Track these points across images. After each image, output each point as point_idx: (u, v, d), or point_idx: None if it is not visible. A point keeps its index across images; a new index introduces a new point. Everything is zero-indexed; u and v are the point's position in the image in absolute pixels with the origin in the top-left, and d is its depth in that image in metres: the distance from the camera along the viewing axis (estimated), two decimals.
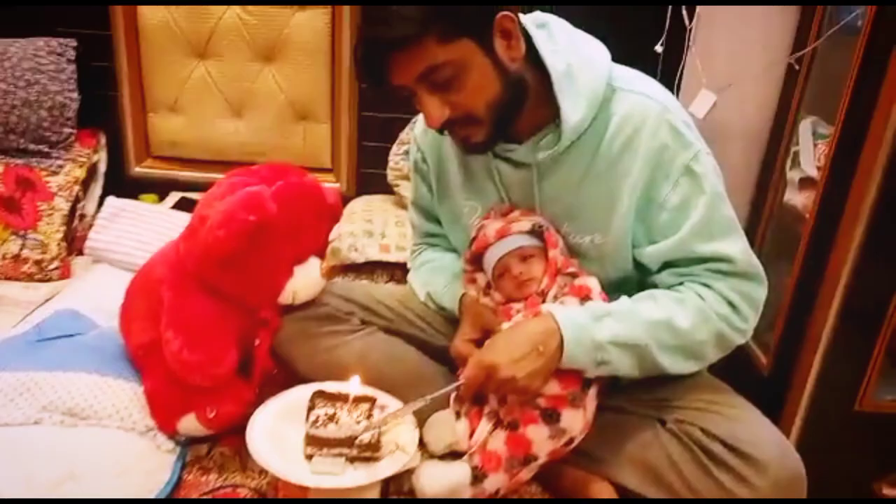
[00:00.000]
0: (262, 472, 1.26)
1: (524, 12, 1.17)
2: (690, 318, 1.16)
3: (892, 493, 1.69)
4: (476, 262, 1.31)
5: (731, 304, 1.18)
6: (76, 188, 2.02)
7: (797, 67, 1.91)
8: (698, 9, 1.91)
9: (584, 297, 1.20)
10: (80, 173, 2.04)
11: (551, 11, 1.23)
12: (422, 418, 1.24)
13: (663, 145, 1.16)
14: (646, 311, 1.16)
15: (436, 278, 1.41)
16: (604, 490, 1.23)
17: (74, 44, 2.04)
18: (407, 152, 2.02)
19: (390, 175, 2.09)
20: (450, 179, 1.35)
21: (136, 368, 1.35)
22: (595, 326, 1.13)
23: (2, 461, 1.15)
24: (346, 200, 2.12)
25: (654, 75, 1.27)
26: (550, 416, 1.17)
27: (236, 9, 2.07)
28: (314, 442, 1.14)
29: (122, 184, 2.20)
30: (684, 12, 1.90)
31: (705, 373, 1.28)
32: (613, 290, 1.25)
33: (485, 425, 1.23)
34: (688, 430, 1.16)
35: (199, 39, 2.11)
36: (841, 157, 1.60)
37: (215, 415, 1.27)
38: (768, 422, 1.17)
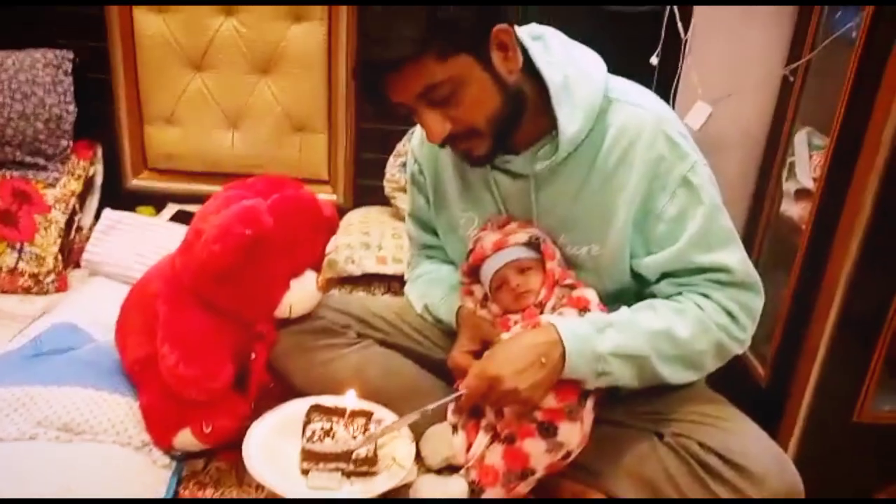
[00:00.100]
0: (259, 486, 1.25)
1: (519, 24, 1.18)
2: (690, 328, 1.16)
3: None
4: (473, 274, 1.31)
5: (729, 314, 1.19)
6: (73, 201, 2.01)
7: (792, 79, 1.91)
8: (693, 21, 1.92)
9: (583, 309, 1.20)
10: (77, 186, 2.04)
11: (547, 23, 1.24)
12: (418, 432, 1.24)
13: (660, 156, 1.17)
14: (646, 322, 1.16)
15: (433, 290, 1.41)
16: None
17: (71, 56, 2.04)
18: (404, 164, 2.02)
19: (387, 187, 2.09)
20: (447, 191, 1.35)
21: (132, 383, 1.34)
22: (597, 338, 1.13)
23: None
24: (342, 212, 2.12)
25: (649, 87, 1.27)
26: (547, 430, 1.17)
27: (233, 21, 2.08)
28: (310, 457, 1.14)
29: (118, 196, 2.19)
30: (679, 24, 1.91)
31: (702, 385, 1.28)
32: (611, 300, 1.25)
33: (482, 439, 1.23)
34: (685, 444, 1.16)
35: (196, 52, 2.12)
36: (837, 167, 1.60)
37: (211, 429, 1.27)
38: (765, 435, 1.17)
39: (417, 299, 1.44)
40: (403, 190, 2.01)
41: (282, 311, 1.31)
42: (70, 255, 2.02)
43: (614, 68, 1.23)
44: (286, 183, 1.35)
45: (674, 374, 1.18)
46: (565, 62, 1.17)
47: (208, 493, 1.26)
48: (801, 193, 1.84)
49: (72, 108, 2.02)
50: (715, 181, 1.22)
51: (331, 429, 1.16)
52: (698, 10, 1.92)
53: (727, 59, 2.00)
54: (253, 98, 2.16)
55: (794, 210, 1.88)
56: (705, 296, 1.19)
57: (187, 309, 1.27)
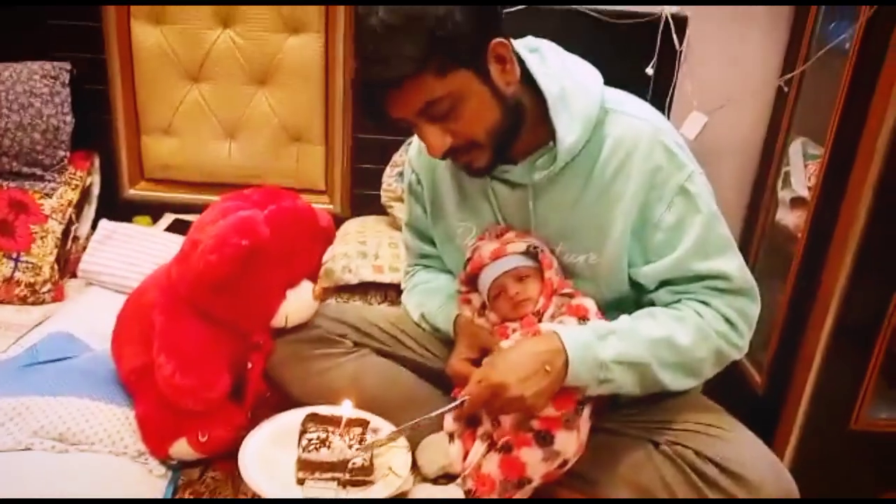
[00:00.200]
0: (255, 496, 1.24)
1: (515, 37, 1.18)
2: (690, 336, 1.16)
3: None
4: (471, 283, 1.31)
5: (728, 321, 1.19)
6: (69, 211, 2.01)
7: (787, 89, 1.93)
8: (689, 31, 1.94)
9: (582, 318, 1.21)
10: (74, 196, 2.04)
11: (542, 35, 1.25)
12: (415, 441, 1.24)
13: (657, 166, 1.17)
14: (647, 330, 1.17)
15: (430, 299, 1.41)
16: None
17: (69, 67, 2.05)
18: (400, 174, 2.03)
19: (384, 196, 2.09)
20: (444, 201, 1.35)
21: (128, 393, 1.34)
22: (599, 345, 1.14)
23: None
24: (339, 222, 2.12)
25: (644, 97, 1.28)
26: (544, 439, 1.17)
27: (230, 33, 2.09)
28: (306, 466, 1.13)
29: (115, 206, 2.19)
30: (674, 35, 1.92)
31: (699, 394, 1.29)
32: (609, 309, 1.26)
33: (478, 448, 1.23)
34: (681, 452, 1.16)
35: (193, 63, 2.12)
36: (831, 176, 1.61)
37: (207, 439, 1.26)
38: (761, 443, 1.17)
39: (414, 308, 1.44)
40: (400, 199, 2.01)
41: (278, 320, 1.31)
42: (66, 264, 2.02)
43: (610, 79, 1.23)
44: (283, 194, 1.35)
45: (674, 382, 1.19)
46: (562, 74, 1.18)
47: None
48: (797, 202, 1.85)
49: (69, 118, 2.02)
50: (711, 190, 1.23)
51: (327, 438, 1.16)
52: (693, 21, 1.94)
53: (722, 70, 2.02)
54: (250, 109, 2.17)
55: (790, 219, 1.89)
56: (704, 303, 1.20)
57: (184, 319, 1.27)
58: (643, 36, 1.94)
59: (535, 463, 1.17)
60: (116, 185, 2.23)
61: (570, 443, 1.17)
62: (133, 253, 1.93)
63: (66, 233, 2.01)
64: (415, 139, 1.36)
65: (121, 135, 2.19)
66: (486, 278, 1.27)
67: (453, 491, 1.20)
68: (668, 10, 1.92)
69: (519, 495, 1.19)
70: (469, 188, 1.31)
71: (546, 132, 1.18)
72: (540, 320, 1.23)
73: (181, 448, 1.27)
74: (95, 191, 2.17)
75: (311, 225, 1.35)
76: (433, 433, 1.27)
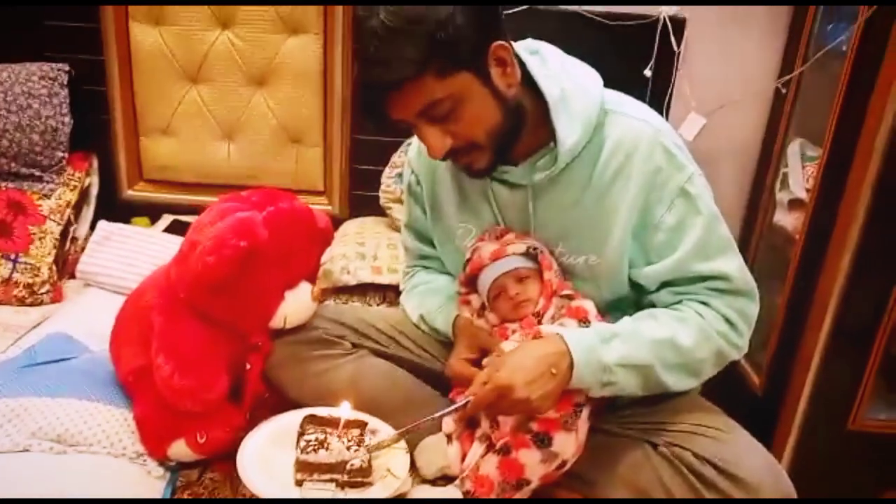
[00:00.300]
0: (253, 497, 1.24)
1: (514, 39, 1.19)
2: (692, 337, 1.17)
3: None
4: (471, 284, 1.31)
5: (728, 321, 1.20)
6: (68, 212, 2.01)
7: (785, 91, 1.93)
8: (686, 33, 1.94)
9: (582, 319, 1.21)
10: (72, 197, 2.04)
11: (541, 37, 1.25)
12: (413, 443, 1.24)
13: (657, 168, 1.18)
14: (649, 331, 1.17)
15: (429, 300, 1.41)
16: None
17: (67, 68, 2.05)
18: (399, 175, 2.03)
19: (382, 197, 2.09)
20: (444, 201, 1.36)
21: (127, 394, 1.34)
22: (603, 348, 1.14)
23: None
24: (338, 223, 2.12)
25: (643, 99, 1.28)
26: (542, 440, 1.17)
27: (228, 34, 2.09)
28: (304, 467, 1.13)
29: (114, 207, 2.19)
30: (672, 37, 1.93)
31: (697, 395, 1.29)
32: (608, 310, 1.27)
33: (476, 449, 1.23)
34: (679, 454, 1.16)
35: (192, 64, 2.12)
36: (829, 178, 1.62)
37: (206, 440, 1.26)
38: (759, 445, 1.17)
39: (413, 309, 1.44)
40: (399, 200, 2.02)
41: (276, 322, 1.31)
42: (65, 265, 2.02)
43: (608, 80, 1.24)
44: (281, 195, 1.35)
45: (676, 383, 1.19)
46: (562, 75, 1.19)
47: None
48: (795, 204, 1.86)
49: (67, 119, 2.02)
50: (710, 191, 1.23)
51: (325, 440, 1.16)
52: (691, 23, 1.94)
53: (720, 72, 2.02)
54: (249, 110, 2.17)
55: (788, 220, 1.89)
56: (705, 304, 1.20)
57: (182, 320, 1.27)
58: (641, 37, 1.94)
59: (533, 464, 1.17)
60: (115, 186, 2.23)
61: (568, 444, 1.17)
62: (131, 254, 1.92)
63: (64, 234, 2.00)
64: (414, 140, 1.36)
65: (119, 136, 2.19)
66: (485, 279, 1.27)
67: (452, 492, 1.20)
68: (666, 11, 1.93)
69: (517, 496, 1.19)
70: (469, 189, 1.31)
71: (546, 134, 1.19)
72: (540, 322, 1.23)
73: (179, 449, 1.27)
74: (94, 192, 2.17)
75: (310, 226, 1.35)
76: (431, 435, 1.27)
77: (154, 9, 2.07)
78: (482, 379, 1.13)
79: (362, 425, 1.21)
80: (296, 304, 1.31)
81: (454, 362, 1.25)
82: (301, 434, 1.18)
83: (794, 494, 1.12)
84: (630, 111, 1.22)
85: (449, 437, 1.27)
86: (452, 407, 1.18)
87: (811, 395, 1.65)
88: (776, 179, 1.99)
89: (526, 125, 1.17)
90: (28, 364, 1.42)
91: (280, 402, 1.33)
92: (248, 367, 1.31)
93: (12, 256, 1.90)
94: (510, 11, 1.83)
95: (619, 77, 1.27)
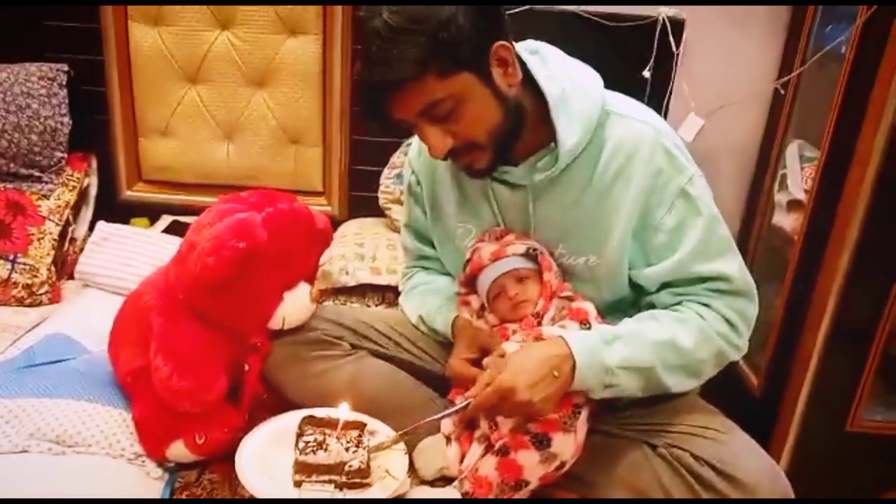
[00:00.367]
0: (251, 498, 1.24)
1: (514, 40, 1.19)
2: (693, 338, 1.17)
3: None
4: (470, 284, 1.31)
5: (728, 322, 1.20)
6: (67, 212, 2.01)
7: (783, 92, 1.93)
8: (685, 34, 1.94)
9: (582, 322, 1.21)
10: (71, 197, 2.03)
11: (540, 37, 1.25)
12: (412, 443, 1.24)
13: (658, 169, 1.18)
14: (651, 333, 1.17)
15: (428, 301, 1.41)
16: None
17: (66, 69, 2.04)
18: (398, 176, 2.03)
19: (381, 198, 2.09)
20: (444, 202, 1.36)
21: (125, 395, 1.34)
22: (605, 350, 1.14)
23: None
24: (337, 223, 2.12)
25: (641, 100, 1.29)
26: (541, 441, 1.17)
27: (228, 34, 2.09)
28: (303, 468, 1.13)
29: (113, 208, 2.19)
30: (671, 38, 1.93)
31: (695, 397, 1.29)
32: (608, 310, 1.27)
33: (475, 450, 1.23)
34: (678, 455, 1.16)
35: (191, 65, 2.12)
36: (828, 179, 1.62)
37: (204, 441, 1.26)
38: (757, 446, 1.17)
39: (412, 310, 1.44)
40: (398, 201, 2.02)
41: (275, 323, 1.31)
42: (64, 266, 2.02)
43: (607, 81, 1.24)
44: (280, 196, 1.35)
45: (677, 384, 1.19)
46: (563, 76, 1.19)
47: None
48: (793, 205, 1.86)
49: (66, 120, 2.02)
50: (710, 192, 1.23)
51: (324, 441, 1.16)
52: (690, 24, 1.95)
53: (719, 73, 2.02)
54: (248, 110, 2.17)
55: (786, 221, 1.89)
56: (705, 305, 1.20)
57: (181, 321, 1.27)
58: (640, 38, 1.94)
59: (532, 465, 1.17)
60: (114, 186, 2.23)
61: (567, 445, 1.17)
62: (130, 255, 1.92)
63: (63, 234, 2.00)
64: (414, 140, 1.36)
65: (118, 136, 2.19)
66: (485, 279, 1.27)
67: (450, 493, 1.20)
68: (665, 12, 1.93)
69: (516, 497, 1.19)
70: (469, 189, 1.31)
71: (546, 134, 1.19)
72: (540, 323, 1.23)
73: (178, 450, 1.27)
74: (93, 192, 2.17)
75: (309, 227, 1.35)
76: (430, 436, 1.27)
77: (153, 9, 2.07)
78: (484, 381, 1.13)
79: (361, 426, 1.21)
80: (294, 305, 1.31)
81: (454, 362, 1.25)
82: (300, 435, 1.18)
83: (791, 495, 1.12)
84: (631, 112, 1.22)
85: (448, 438, 1.27)
86: (453, 409, 1.18)
87: (809, 395, 1.65)
88: (775, 180, 1.99)
89: (526, 125, 1.17)
90: (27, 365, 1.42)
91: (279, 403, 1.33)
92: (246, 367, 1.31)
93: (11, 257, 1.90)
94: (510, 12, 1.83)
95: (618, 78, 1.27)
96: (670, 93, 1.98)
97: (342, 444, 1.16)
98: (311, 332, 1.34)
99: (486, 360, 1.20)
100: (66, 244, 2.04)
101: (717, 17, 1.98)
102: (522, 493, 1.19)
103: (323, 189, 2.26)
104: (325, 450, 1.14)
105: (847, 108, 1.56)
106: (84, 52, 2.10)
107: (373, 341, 1.38)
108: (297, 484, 1.14)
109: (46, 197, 1.99)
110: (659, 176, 1.18)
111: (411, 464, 1.23)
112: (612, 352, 1.14)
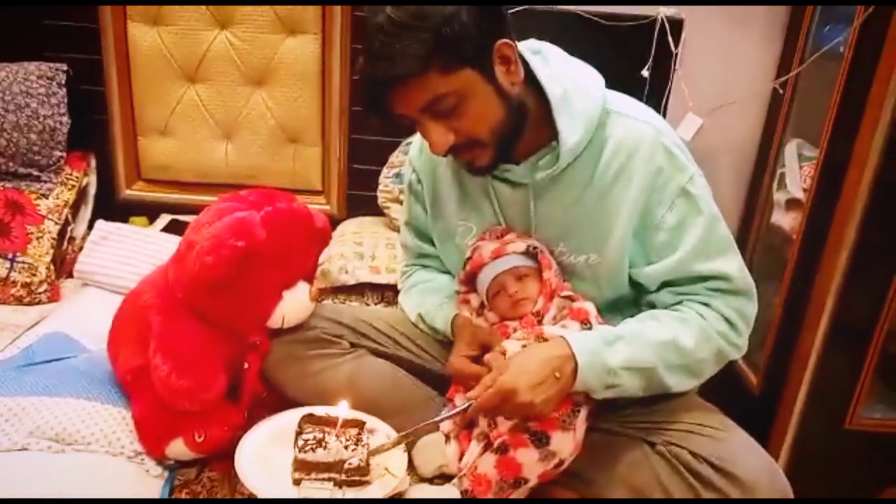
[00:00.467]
0: (251, 496, 1.24)
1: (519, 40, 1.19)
2: (694, 337, 1.17)
3: None
4: (470, 282, 1.32)
5: (728, 322, 1.20)
6: (66, 211, 2.01)
7: (782, 91, 1.94)
8: (684, 34, 1.94)
9: (583, 321, 1.21)
10: (70, 196, 2.03)
11: (540, 36, 1.26)
12: (411, 441, 1.24)
13: (659, 168, 1.18)
14: (652, 333, 1.17)
15: (428, 299, 1.41)
16: None
17: (65, 68, 2.04)
18: (397, 175, 2.03)
19: (380, 197, 2.09)
20: (445, 200, 1.36)
21: (125, 393, 1.34)
22: (607, 351, 1.14)
23: None
24: (336, 223, 2.12)
25: (640, 99, 1.29)
26: (540, 439, 1.17)
27: (227, 34, 2.09)
28: (302, 466, 1.13)
29: (112, 207, 2.19)
30: (670, 38, 1.93)
31: (694, 395, 1.29)
32: (608, 309, 1.27)
33: (474, 448, 1.23)
34: (676, 453, 1.17)
35: (190, 64, 2.12)
36: (826, 178, 1.62)
37: (204, 439, 1.26)
38: (755, 443, 1.17)
39: (412, 308, 1.44)
40: (397, 200, 2.02)
41: (274, 321, 1.31)
42: (63, 265, 2.02)
43: (605, 81, 1.24)
44: (279, 195, 1.35)
45: (678, 383, 1.20)
46: (564, 75, 1.19)
47: None
48: (792, 204, 1.86)
49: (65, 119, 2.02)
50: (710, 191, 1.24)
51: (323, 439, 1.16)
52: (689, 24, 1.95)
53: (718, 72, 2.02)
54: (247, 110, 2.17)
55: (785, 220, 1.90)
56: (705, 304, 1.21)
57: (180, 320, 1.27)
58: (639, 38, 1.95)
59: (531, 463, 1.17)
60: (113, 185, 2.23)
61: (566, 443, 1.18)
62: (129, 253, 1.92)
63: (62, 233, 2.00)
64: (415, 139, 1.36)
65: (117, 135, 2.19)
66: (485, 277, 1.27)
67: (450, 491, 1.20)
68: (663, 12, 1.93)
69: (515, 495, 1.19)
70: (470, 187, 1.31)
71: (548, 133, 1.19)
72: (540, 322, 1.23)
73: (178, 448, 1.27)
74: (92, 191, 2.17)
75: (308, 226, 1.35)
76: (429, 433, 1.27)
77: (152, 9, 2.07)
78: (486, 383, 1.13)
79: (360, 424, 1.21)
80: (294, 304, 1.31)
81: (455, 359, 1.25)
82: (299, 433, 1.18)
83: (790, 493, 1.12)
84: (632, 112, 1.23)
85: (447, 436, 1.27)
86: (454, 411, 1.18)
87: (808, 394, 1.66)
88: (773, 179, 2.00)
89: (528, 124, 1.18)
90: (26, 363, 1.42)
91: (278, 402, 1.34)
92: (246, 366, 1.32)
93: (10, 256, 1.90)
94: (510, 11, 1.83)
95: (617, 77, 1.27)
96: (669, 92, 1.98)
97: (341, 442, 1.16)
98: (310, 330, 1.34)
99: (487, 357, 1.20)
100: (65, 243, 2.04)
101: (715, 17, 1.99)
102: (521, 491, 1.19)
103: (322, 188, 2.26)
104: (325, 448, 1.14)
105: (845, 108, 1.56)
106: (83, 51, 2.10)
107: (372, 340, 1.38)
108: (297, 482, 1.14)
109: (45, 196, 1.99)
110: (659, 175, 1.19)
111: (410, 461, 1.23)
112: (614, 352, 1.14)
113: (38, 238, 1.94)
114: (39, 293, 1.90)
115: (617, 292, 1.27)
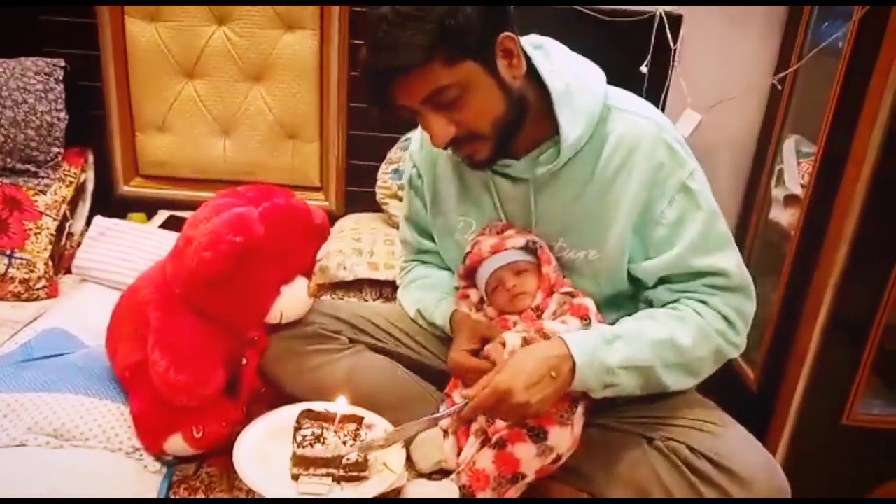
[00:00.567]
0: (249, 491, 1.25)
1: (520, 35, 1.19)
2: (691, 336, 1.17)
3: None
4: (469, 277, 1.32)
5: (726, 320, 1.20)
6: (64, 207, 2.01)
7: (780, 87, 1.94)
8: (683, 30, 1.94)
9: (583, 317, 1.22)
10: (68, 192, 2.03)
11: (539, 32, 1.26)
12: (409, 437, 1.24)
13: (660, 164, 1.19)
14: (650, 331, 1.17)
15: (427, 295, 1.41)
16: None
17: (63, 64, 2.04)
18: (395, 171, 2.03)
19: (379, 193, 2.09)
20: (445, 195, 1.36)
21: (123, 389, 1.34)
22: (605, 350, 1.14)
23: None
24: (334, 219, 2.12)
25: (639, 95, 1.29)
26: (538, 435, 1.17)
27: (224, 30, 2.08)
28: (301, 462, 1.14)
29: (110, 203, 2.19)
30: (669, 34, 1.93)
31: (693, 391, 1.29)
32: (607, 305, 1.27)
33: (472, 443, 1.23)
34: (675, 448, 1.17)
35: (188, 60, 2.12)
36: (824, 174, 1.62)
37: (202, 434, 1.26)
38: (753, 439, 1.18)
39: (411, 304, 1.44)
40: (395, 196, 2.02)
41: (273, 317, 1.31)
42: (61, 261, 2.01)
43: (604, 76, 1.24)
44: (277, 191, 1.35)
45: (676, 382, 1.20)
46: (566, 71, 1.19)
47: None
48: (790, 200, 1.86)
49: (63, 115, 2.02)
50: (709, 187, 1.24)
51: (321, 434, 1.16)
52: (688, 20, 1.95)
53: (716, 68, 2.02)
54: (245, 106, 2.16)
55: (783, 216, 1.90)
56: (703, 302, 1.21)
57: (178, 315, 1.27)
58: (638, 34, 1.95)
59: (528, 458, 1.17)
60: (111, 181, 2.23)
61: (563, 438, 1.18)
62: (127, 249, 1.92)
63: (60, 229, 2.00)
64: (415, 134, 1.36)
65: (115, 131, 2.19)
66: (484, 271, 1.28)
67: (448, 486, 1.20)
68: (662, 8, 1.93)
69: (513, 490, 1.20)
70: (470, 182, 1.31)
71: (549, 128, 1.19)
72: (540, 317, 1.24)
73: (176, 443, 1.27)
74: (90, 187, 2.16)
75: (306, 222, 1.35)
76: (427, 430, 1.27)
77: (150, 5, 2.06)
78: (483, 383, 1.12)
79: (359, 420, 1.21)
80: (292, 300, 1.31)
81: (455, 354, 1.25)
82: (297, 428, 1.18)
83: (788, 489, 1.12)
84: (633, 108, 1.23)
85: (445, 432, 1.28)
86: (450, 410, 1.18)
87: (806, 390, 1.66)
88: (772, 175, 2.00)
89: (529, 118, 1.18)
90: (24, 359, 1.42)
91: (276, 397, 1.34)
92: (244, 361, 1.32)
93: (8, 252, 1.89)
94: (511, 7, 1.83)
95: (615, 73, 1.27)
96: (667, 88, 1.98)
97: (340, 437, 1.16)
98: (308, 326, 1.34)
99: (487, 347, 1.20)
100: (63, 239, 2.03)
101: (714, 14, 1.99)
102: (519, 486, 1.20)
103: (320, 184, 2.26)
104: (323, 443, 1.15)
105: (844, 104, 1.56)
106: (80, 47, 2.09)
107: (370, 335, 1.38)
108: (295, 477, 1.14)
109: (43, 192, 1.99)
110: (660, 170, 1.19)
111: (409, 457, 1.23)
112: (612, 352, 1.14)
113: (35, 234, 1.93)
114: (37, 289, 1.90)
115: (616, 288, 1.27)
